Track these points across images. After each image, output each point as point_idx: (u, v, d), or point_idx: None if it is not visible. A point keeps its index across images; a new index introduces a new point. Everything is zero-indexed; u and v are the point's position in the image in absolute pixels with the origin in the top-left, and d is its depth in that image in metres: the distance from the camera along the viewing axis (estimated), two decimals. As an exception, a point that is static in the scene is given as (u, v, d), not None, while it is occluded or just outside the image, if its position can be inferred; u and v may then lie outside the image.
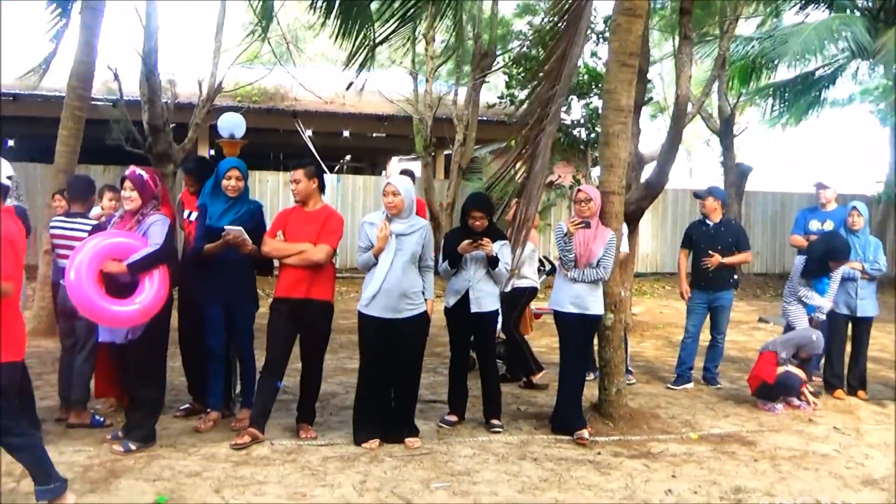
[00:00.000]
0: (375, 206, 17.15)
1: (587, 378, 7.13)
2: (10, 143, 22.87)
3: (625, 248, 8.52)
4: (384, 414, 6.17)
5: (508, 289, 8.16)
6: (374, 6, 9.04)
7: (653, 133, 24.63)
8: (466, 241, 6.48)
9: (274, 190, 17.08)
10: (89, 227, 6.34)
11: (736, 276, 8.81)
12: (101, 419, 6.43)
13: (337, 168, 26.35)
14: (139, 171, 5.87)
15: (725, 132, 19.91)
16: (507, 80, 16.07)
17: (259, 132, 15.85)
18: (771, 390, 7.69)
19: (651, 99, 16.43)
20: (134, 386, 5.94)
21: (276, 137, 19.79)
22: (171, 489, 5.12)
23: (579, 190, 6.82)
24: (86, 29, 10.12)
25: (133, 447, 5.76)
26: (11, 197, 5.88)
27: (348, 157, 26.66)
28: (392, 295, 5.93)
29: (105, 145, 13.89)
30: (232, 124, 10.49)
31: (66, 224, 6.54)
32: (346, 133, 20.45)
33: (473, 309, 6.63)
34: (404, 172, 7.89)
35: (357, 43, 8.92)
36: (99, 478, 5.28)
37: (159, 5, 12.69)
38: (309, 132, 18.35)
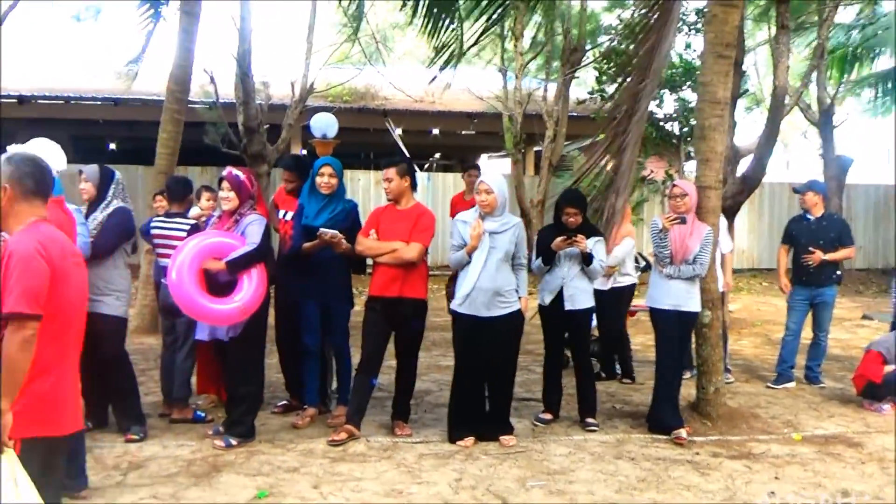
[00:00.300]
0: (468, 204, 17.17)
1: (684, 376, 7.00)
2: (112, 146, 23.60)
3: (728, 245, 8.34)
4: (479, 412, 6.16)
5: (610, 286, 8.10)
6: (462, 4, 9.02)
7: (749, 125, 23.95)
8: (560, 238, 6.42)
9: (365, 188, 17.24)
10: (188, 227, 6.49)
11: (839, 272, 8.52)
12: (203, 415, 6.59)
13: (427, 166, 26.47)
14: (236, 171, 5.99)
15: (824, 123, 19.28)
16: (598, 75, 15.88)
17: (350, 131, 16.00)
18: (878, 390, 7.42)
19: (747, 91, 16.03)
20: (234, 383, 6.07)
21: (367, 136, 19.97)
22: (271, 484, 5.20)
23: (674, 185, 6.70)
24: (183, 34, 10.38)
25: (234, 442, 5.88)
26: (117, 198, 6.07)
27: (438, 155, 26.75)
28: (486, 293, 5.91)
29: (202, 147, 14.19)
30: (324, 124, 10.64)
31: (165, 224, 6.70)
32: (435, 131, 20.53)
33: (567, 307, 6.57)
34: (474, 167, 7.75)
35: (445, 40, 8.91)
36: (201, 472, 5.41)
37: (253, 8, 12.93)
38: (399, 130, 18.47)
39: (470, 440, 6.07)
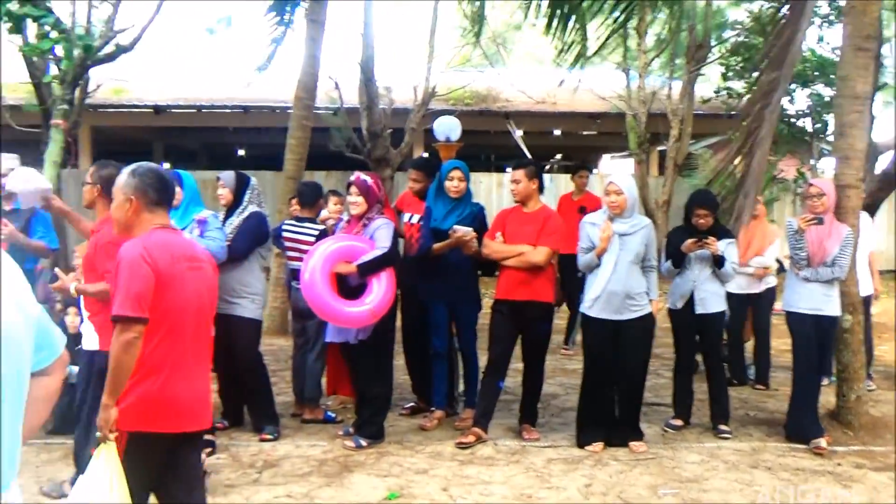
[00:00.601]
0: (589, 205, 16.98)
1: (822, 383, 6.73)
2: (241, 152, 24.34)
3: (871, 244, 7.97)
4: (608, 416, 6.07)
5: (763, 289, 7.93)
6: (585, 3, 8.92)
7: (888, 120, 22.91)
8: (691, 241, 6.27)
9: (487, 191, 17.25)
10: (317, 232, 6.62)
11: None
12: (333, 415, 6.71)
13: (548, 167, 26.33)
14: (364, 176, 6.08)
15: (969, 116, 18.26)
16: (724, 71, 15.47)
17: (472, 134, 16.05)
18: None
19: (885, 84, 15.32)
20: (363, 384, 6.15)
21: (489, 139, 19.99)
22: (401, 486, 5.25)
23: (811, 184, 6.45)
24: (310, 41, 10.60)
25: (364, 443, 5.96)
26: (253, 203, 6.25)
27: (559, 157, 26.55)
28: (616, 296, 5.82)
29: (327, 152, 14.49)
30: (448, 127, 10.65)
31: (295, 228, 6.85)
32: (556, 132, 20.39)
33: (698, 310, 6.41)
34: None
35: (570, 40, 8.83)
36: (333, 472, 5.50)
37: (375, 15, 13.12)
38: (520, 132, 18.42)
39: (599, 445, 5.98)
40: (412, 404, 6.98)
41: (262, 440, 6.11)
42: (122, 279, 3.29)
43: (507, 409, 6.83)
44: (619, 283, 5.81)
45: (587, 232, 6.03)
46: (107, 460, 3.21)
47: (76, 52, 7.77)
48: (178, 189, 5.82)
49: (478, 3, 11.76)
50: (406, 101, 15.43)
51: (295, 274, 6.63)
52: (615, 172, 7.84)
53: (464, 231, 6.13)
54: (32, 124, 10.83)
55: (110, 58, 8.31)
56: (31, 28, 8.35)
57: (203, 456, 5.37)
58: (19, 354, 1.97)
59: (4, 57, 8.52)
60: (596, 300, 5.89)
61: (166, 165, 22.87)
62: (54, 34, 7.54)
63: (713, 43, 16.40)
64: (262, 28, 11.76)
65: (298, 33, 11.47)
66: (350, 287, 5.79)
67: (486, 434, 6.15)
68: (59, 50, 7.87)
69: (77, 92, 8.26)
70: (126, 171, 3.52)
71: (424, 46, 15.18)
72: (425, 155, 19.14)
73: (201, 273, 3.55)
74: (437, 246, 6.31)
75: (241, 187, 6.29)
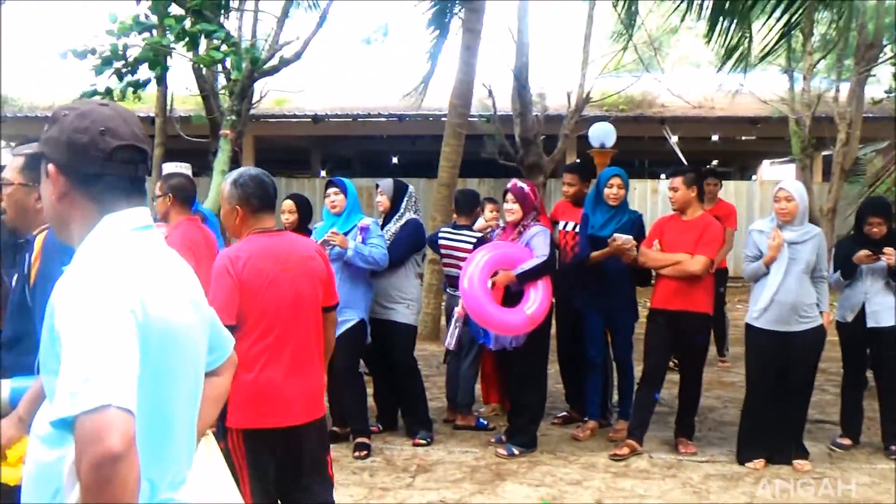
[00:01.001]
0: (748, 213, 16.45)
1: None
2: (395, 160, 24.80)
3: None
4: (771, 432, 5.81)
5: None
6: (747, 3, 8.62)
7: None
8: (864, 252, 5.94)
9: (641, 197, 16.97)
10: (474, 239, 6.64)
11: None
12: (486, 422, 6.72)
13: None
14: (521, 183, 6.08)
15: None
16: (896, 72, 14.69)
17: (626, 140, 15.83)
18: None
19: None
20: (517, 392, 6.15)
21: (643, 145, 19.67)
22: (554, 496, 5.21)
23: None
24: (466, 50, 10.69)
25: (516, 451, 5.95)
26: (410, 211, 6.35)
27: (715, 162, 25.82)
28: (784, 307, 5.57)
29: (479, 159, 14.57)
30: (603, 133, 10.59)
31: (451, 235, 6.91)
32: (714, 137, 19.83)
33: (870, 324, 6.08)
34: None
35: (732, 43, 8.56)
36: (485, 479, 5.51)
37: (530, 21, 13.11)
38: (675, 138, 18.01)
39: (760, 462, 5.75)
40: (564, 413, 6.92)
41: (416, 445, 6.18)
42: (211, 290, 3.49)
43: (663, 421, 6.66)
44: (789, 294, 5.57)
45: (754, 240, 5.81)
46: (208, 455, 3.32)
47: (244, 65, 8.09)
48: (341, 196, 5.98)
49: (631, 7, 11.58)
50: (559, 107, 15.35)
51: (450, 280, 6.71)
52: (786, 178, 7.49)
53: (624, 239, 6.02)
54: (199, 134, 11.36)
55: (276, 69, 8.62)
56: (202, 43, 8.76)
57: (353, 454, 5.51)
58: (195, 354, 2.04)
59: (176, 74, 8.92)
60: (764, 311, 5.66)
61: (323, 173, 23.60)
62: (224, 48, 7.87)
63: (885, 42, 15.57)
64: (419, 39, 11.98)
65: (453, 42, 11.61)
66: (508, 294, 5.80)
67: (641, 446, 6.02)
68: (228, 63, 8.21)
69: (243, 103, 8.61)
70: (229, 181, 3.71)
71: (578, 52, 15.07)
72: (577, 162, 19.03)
73: (304, 270, 3.70)
74: (594, 254, 6.23)
75: (398, 195, 6.41)
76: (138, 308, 1.77)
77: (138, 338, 1.74)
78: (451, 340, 6.27)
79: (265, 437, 3.57)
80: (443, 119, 11.83)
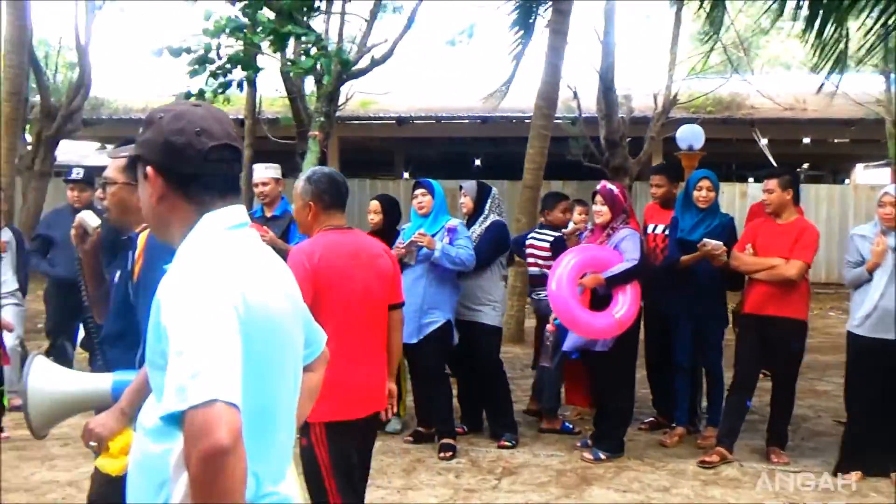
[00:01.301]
0: (841, 218, 16.02)
1: None
2: (477, 161, 24.82)
3: None
4: (872, 444, 5.61)
5: None
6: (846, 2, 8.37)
7: None
8: None
9: (730, 201, 16.62)
10: (551, 238, 6.70)
11: None
12: (571, 426, 6.66)
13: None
14: (610, 185, 6.03)
15: None
16: None
17: (714, 142, 15.55)
18: None
19: None
20: (603, 396, 6.09)
21: (731, 147, 19.27)
22: (641, 502, 5.13)
23: None
24: (551, 51, 10.62)
25: (602, 456, 5.88)
26: (494, 213, 6.34)
27: (806, 166, 25.20)
28: (889, 314, 5.36)
29: (564, 161, 14.50)
30: (691, 135, 10.42)
31: (538, 237, 6.89)
32: (805, 140, 19.34)
33: None
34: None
35: (827, 44, 8.32)
36: (572, 483, 5.46)
37: (618, 22, 13.00)
38: (765, 140, 17.61)
39: (857, 475, 5.55)
40: (652, 419, 6.81)
41: (501, 447, 6.15)
42: None
43: (753, 429, 6.48)
44: (893, 301, 5.35)
45: (856, 245, 5.61)
46: None
47: (333, 68, 8.19)
48: (428, 197, 6.01)
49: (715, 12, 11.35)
50: (645, 109, 15.19)
51: (532, 280, 6.76)
52: (890, 183, 7.22)
53: (714, 245, 5.89)
54: (285, 136, 11.55)
55: (364, 71, 8.71)
56: (291, 45, 8.90)
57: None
58: (295, 348, 2.06)
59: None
60: (866, 318, 5.46)
61: (406, 175, 23.76)
62: (314, 51, 7.98)
63: None
64: (503, 40, 11.95)
65: (538, 43, 11.56)
66: (596, 297, 5.75)
67: (731, 454, 5.89)
68: (319, 66, 8.32)
69: (331, 105, 8.72)
70: (303, 178, 3.84)
71: (665, 53, 14.90)
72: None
73: (372, 267, 3.83)
74: (684, 258, 6.11)
75: (482, 197, 6.42)
76: (240, 303, 1.80)
77: (241, 332, 1.77)
78: (552, 364, 6.26)
79: (347, 428, 3.65)
80: (526, 121, 11.79)
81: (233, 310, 1.77)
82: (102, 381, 2.82)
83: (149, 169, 1.95)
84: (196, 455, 1.59)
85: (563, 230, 6.82)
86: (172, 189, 1.95)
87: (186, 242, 1.93)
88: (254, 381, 1.82)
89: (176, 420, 1.64)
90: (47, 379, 2.72)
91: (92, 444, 2.61)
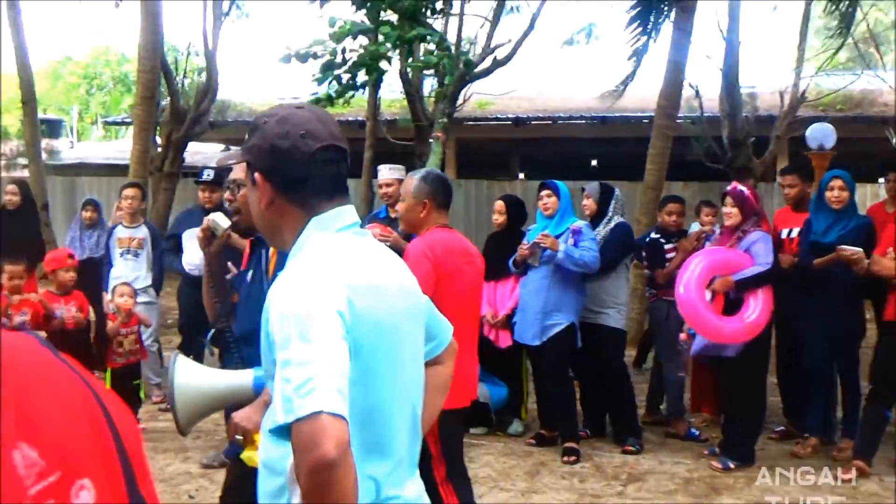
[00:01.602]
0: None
1: None
2: (594, 162, 24.52)
3: None
4: None
5: None
6: None
7: None
8: None
9: (862, 203, 15.94)
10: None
11: None
12: (697, 433, 6.49)
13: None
14: (740, 186, 5.88)
15: None
16: None
17: (844, 142, 14.98)
18: None
19: None
20: (732, 403, 5.94)
21: (864, 146, 18.50)
22: (774, 514, 4.96)
23: None
24: (675, 49, 10.41)
25: (731, 465, 5.71)
26: (617, 214, 6.27)
27: (941, 166, 23.97)
28: None
29: (684, 161, 14.18)
30: (822, 134, 10.06)
31: (659, 239, 6.78)
32: (947, 137, 18.39)
33: None
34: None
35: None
36: (700, 492, 5.33)
37: (742, 18, 12.63)
38: (899, 139, 16.83)
39: None
40: (783, 428, 6.57)
41: (625, 452, 6.06)
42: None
43: (892, 442, 6.19)
44: None
45: None
46: None
47: (457, 68, 8.22)
48: (553, 198, 5.96)
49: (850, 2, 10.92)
50: (771, 107, 14.73)
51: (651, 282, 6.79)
52: None
53: (852, 251, 5.59)
54: (403, 137, 11.64)
55: (486, 73, 8.72)
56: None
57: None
58: (411, 346, 2.01)
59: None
60: None
61: (522, 176, 23.68)
62: (437, 52, 8.03)
63: None
64: (623, 39, 11.75)
65: (660, 41, 11.34)
66: (726, 301, 5.59)
67: (870, 468, 5.63)
68: (442, 66, 8.38)
69: (453, 106, 8.76)
70: (417, 178, 4.05)
71: (791, 50, 14.41)
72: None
73: (474, 266, 4.09)
74: (818, 261, 5.86)
75: (605, 198, 6.35)
76: (346, 310, 1.77)
77: (349, 336, 1.75)
78: (685, 372, 6.19)
79: (456, 416, 3.77)
80: (645, 121, 11.56)
81: (337, 315, 1.74)
82: (244, 377, 2.87)
83: (257, 175, 1.96)
84: (304, 468, 1.58)
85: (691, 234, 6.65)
86: (280, 193, 1.95)
87: (295, 247, 1.93)
88: (366, 384, 1.80)
89: (285, 432, 1.63)
90: (192, 377, 2.79)
91: (238, 437, 2.67)
